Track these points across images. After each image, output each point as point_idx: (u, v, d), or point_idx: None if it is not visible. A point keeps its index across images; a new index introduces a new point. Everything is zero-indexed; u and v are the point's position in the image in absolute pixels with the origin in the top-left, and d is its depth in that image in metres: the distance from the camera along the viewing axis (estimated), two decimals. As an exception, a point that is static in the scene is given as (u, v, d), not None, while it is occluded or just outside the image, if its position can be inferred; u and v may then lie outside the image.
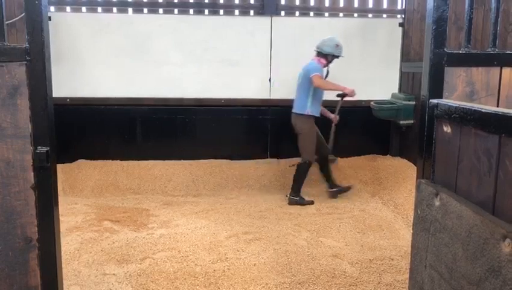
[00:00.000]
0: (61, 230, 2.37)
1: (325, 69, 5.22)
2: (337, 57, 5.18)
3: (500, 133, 1.47)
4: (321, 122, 5.45)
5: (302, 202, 5.19)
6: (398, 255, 3.80)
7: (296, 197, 5.21)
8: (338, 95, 5.34)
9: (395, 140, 6.38)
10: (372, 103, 5.92)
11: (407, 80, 6.14)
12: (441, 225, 1.74)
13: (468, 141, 1.67)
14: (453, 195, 1.72)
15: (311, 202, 5.21)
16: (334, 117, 5.49)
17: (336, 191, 5.42)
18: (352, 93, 5.16)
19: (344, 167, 6.06)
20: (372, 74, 6.15)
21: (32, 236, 2.01)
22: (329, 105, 5.45)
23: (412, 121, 5.81)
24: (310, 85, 5.08)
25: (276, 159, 6.14)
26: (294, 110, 5.26)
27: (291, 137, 5.94)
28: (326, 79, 5.20)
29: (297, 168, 5.27)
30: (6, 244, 2.00)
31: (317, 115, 5.23)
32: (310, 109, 5.14)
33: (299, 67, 5.87)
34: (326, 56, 5.14)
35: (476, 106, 1.66)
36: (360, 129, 6.29)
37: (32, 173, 1.98)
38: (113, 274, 3.42)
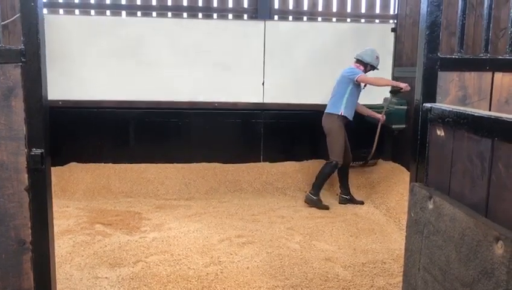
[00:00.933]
0: (54, 233, 2.35)
1: None
2: (374, 68, 5.27)
3: (493, 137, 1.49)
4: (369, 124, 5.59)
5: (319, 205, 5.20)
6: (390, 259, 3.82)
7: (314, 196, 5.23)
8: (391, 91, 5.33)
9: (387, 144, 6.42)
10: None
11: (399, 85, 6.18)
12: (434, 228, 1.76)
13: (461, 145, 1.69)
14: (447, 198, 1.74)
15: (327, 207, 5.20)
16: (381, 116, 5.53)
17: (348, 199, 5.44)
18: (407, 87, 5.08)
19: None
20: (365, 79, 6.18)
21: (26, 238, 2.00)
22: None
23: (403, 126, 5.85)
24: (347, 88, 5.17)
25: (268, 163, 6.15)
26: (326, 110, 5.32)
27: (284, 141, 5.96)
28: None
29: (323, 167, 5.30)
30: (-1, 246, 1.98)
31: (350, 118, 5.27)
32: (344, 110, 5.20)
33: (292, 71, 5.91)
34: (366, 65, 5.24)
35: (469, 109, 1.68)
36: (352, 133, 6.31)
37: (26, 175, 1.97)
38: (106, 278, 3.40)
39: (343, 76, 5.23)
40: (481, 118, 1.55)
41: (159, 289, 3.24)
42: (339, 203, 5.43)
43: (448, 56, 1.99)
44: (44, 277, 2.04)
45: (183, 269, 3.54)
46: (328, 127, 5.28)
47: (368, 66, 5.25)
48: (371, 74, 5.32)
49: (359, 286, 3.36)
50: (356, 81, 5.10)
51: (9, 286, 2.00)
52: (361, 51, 5.30)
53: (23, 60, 1.90)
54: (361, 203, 5.44)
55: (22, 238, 2.00)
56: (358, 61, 5.27)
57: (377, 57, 5.25)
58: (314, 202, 5.22)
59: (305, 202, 5.28)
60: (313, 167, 6.06)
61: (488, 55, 2.03)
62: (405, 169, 5.78)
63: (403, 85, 5.09)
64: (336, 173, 5.37)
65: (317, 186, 5.27)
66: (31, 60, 1.90)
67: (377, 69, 5.32)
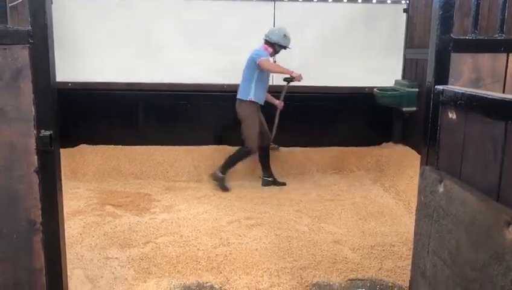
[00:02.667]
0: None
1: (271, 59, 5.20)
2: (284, 47, 5.15)
3: (506, 120, 1.46)
4: (265, 108, 5.40)
5: (222, 183, 5.18)
6: (399, 242, 3.82)
7: (221, 174, 5.17)
8: (285, 79, 5.30)
9: (397, 127, 6.36)
10: (375, 89, 5.90)
11: (410, 67, 6.09)
12: (444, 212, 1.74)
13: (473, 128, 1.66)
14: (457, 182, 1.72)
15: (227, 189, 5.17)
16: (278, 103, 5.45)
17: (270, 181, 5.39)
18: (299, 78, 5.08)
19: (346, 153, 6.06)
20: (376, 61, 6.10)
21: (36, 219, 2.02)
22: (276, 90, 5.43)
23: (414, 108, 5.77)
24: (254, 71, 5.07)
25: (277, 146, 6.13)
26: (237, 96, 5.22)
27: (292, 124, 5.92)
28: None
29: (237, 151, 5.25)
30: (10, 227, 2.01)
31: (261, 102, 5.18)
32: (253, 96, 5.11)
33: (302, 52, 5.83)
34: (274, 45, 5.12)
35: (482, 92, 1.65)
36: (362, 116, 6.26)
37: (35, 157, 1.97)
38: (116, 258, 3.44)
39: (250, 57, 5.11)
40: (495, 101, 1.51)
41: (168, 270, 3.28)
42: (262, 185, 5.36)
43: (462, 37, 1.95)
44: (55, 257, 2.07)
45: (193, 250, 3.57)
46: (242, 114, 5.18)
47: (276, 46, 5.12)
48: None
49: (367, 269, 3.36)
50: (258, 65, 4.99)
51: (20, 266, 2.03)
52: (269, 30, 5.16)
53: (30, 41, 1.89)
54: (284, 184, 5.38)
55: (32, 219, 2.02)
56: (266, 42, 5.14)
57: (285, 35, 5.10)
58: (220, 179, 5.17)
59: (214, 180, 5.22)
60: (322, 151, 6.03)
61: (503, 36, 1.98)
62: (415, 152, 5.73)
63: (294, 75, 5.05)
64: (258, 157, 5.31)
65: (226, 166, 5.20)
66: (38, 41, 1.89)
67: (289, 48, 5.16)
